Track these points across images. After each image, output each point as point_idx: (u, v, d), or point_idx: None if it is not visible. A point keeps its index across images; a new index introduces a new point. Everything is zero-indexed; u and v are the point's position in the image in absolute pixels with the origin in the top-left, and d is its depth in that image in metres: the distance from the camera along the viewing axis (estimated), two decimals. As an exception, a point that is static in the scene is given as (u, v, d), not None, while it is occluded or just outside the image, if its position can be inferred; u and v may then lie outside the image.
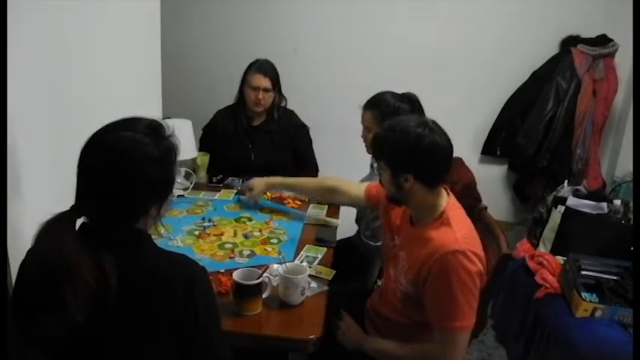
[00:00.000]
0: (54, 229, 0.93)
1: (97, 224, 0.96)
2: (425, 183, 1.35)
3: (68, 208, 0.98)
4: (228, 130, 2.52)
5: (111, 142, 0.96)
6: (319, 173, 2.63)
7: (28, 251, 1.01)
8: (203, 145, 2.55)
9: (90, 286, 0.89)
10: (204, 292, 1.00)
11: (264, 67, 2.41)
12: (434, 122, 1.36)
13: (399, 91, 2.00)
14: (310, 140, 2.63)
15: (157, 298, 0.96)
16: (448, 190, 1.45)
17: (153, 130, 0.99)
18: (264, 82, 2.39)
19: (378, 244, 1.95)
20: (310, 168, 2.62)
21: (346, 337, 1.55)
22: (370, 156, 2.08)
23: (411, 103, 1.94)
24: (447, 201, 1.40)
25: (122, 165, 0.95)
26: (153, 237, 1.06)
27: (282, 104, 2.55)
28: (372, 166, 2.09)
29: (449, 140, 1.35)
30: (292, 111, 2.61)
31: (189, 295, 0.96)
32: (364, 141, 2.02)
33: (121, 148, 0.95)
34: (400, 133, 1.32)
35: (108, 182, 0.95)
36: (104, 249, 0.93)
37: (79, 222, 0.99)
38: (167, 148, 1.00)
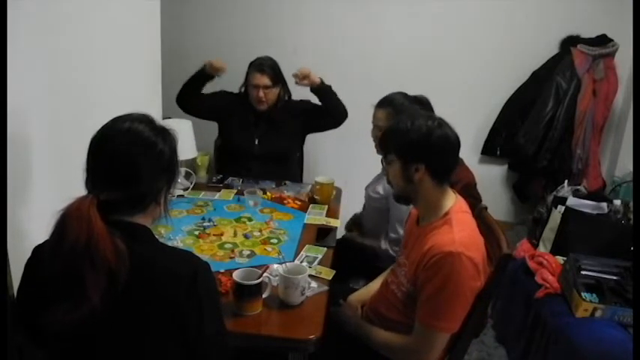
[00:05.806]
0: (80, 209, 0.96)
1: (111, 211, 0.99)
2: (435, 176, 1.37)
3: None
4: (236, 110, 2.53)
5: (122, 132, 1.02)
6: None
7: (41, 245, 1.03)
8: (216, 94, 2.54)
9: (109, 263, 0.93)
10: (207, 285, 1.04)
11: (262, 66, 2.42)
12: (441, 119, 1.39)
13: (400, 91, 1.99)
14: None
15: (161, 290, 0.99)
16: (457, 194, 1.45)
17: (148, 120, 1.07)
18: (263, 79, 2.41)
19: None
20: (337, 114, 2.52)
21: (345, 314, 1.58)
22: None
23: (422, 105, 1.93)
24: (454, 203, 1.40)
25: (136, 150, 1.01)
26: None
27: (287, 98, 2.55)
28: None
29: (457, 136, 1.37)
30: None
31: (192, 287, 1.00)
32: (374, 140, 1.98)
33: (132, 135, 1.02)
34: (412, 124, 1.35)
35: (122, 168, 1.00)
36: (117, 235, 0.96)
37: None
38: (167, 132, 1.08)
